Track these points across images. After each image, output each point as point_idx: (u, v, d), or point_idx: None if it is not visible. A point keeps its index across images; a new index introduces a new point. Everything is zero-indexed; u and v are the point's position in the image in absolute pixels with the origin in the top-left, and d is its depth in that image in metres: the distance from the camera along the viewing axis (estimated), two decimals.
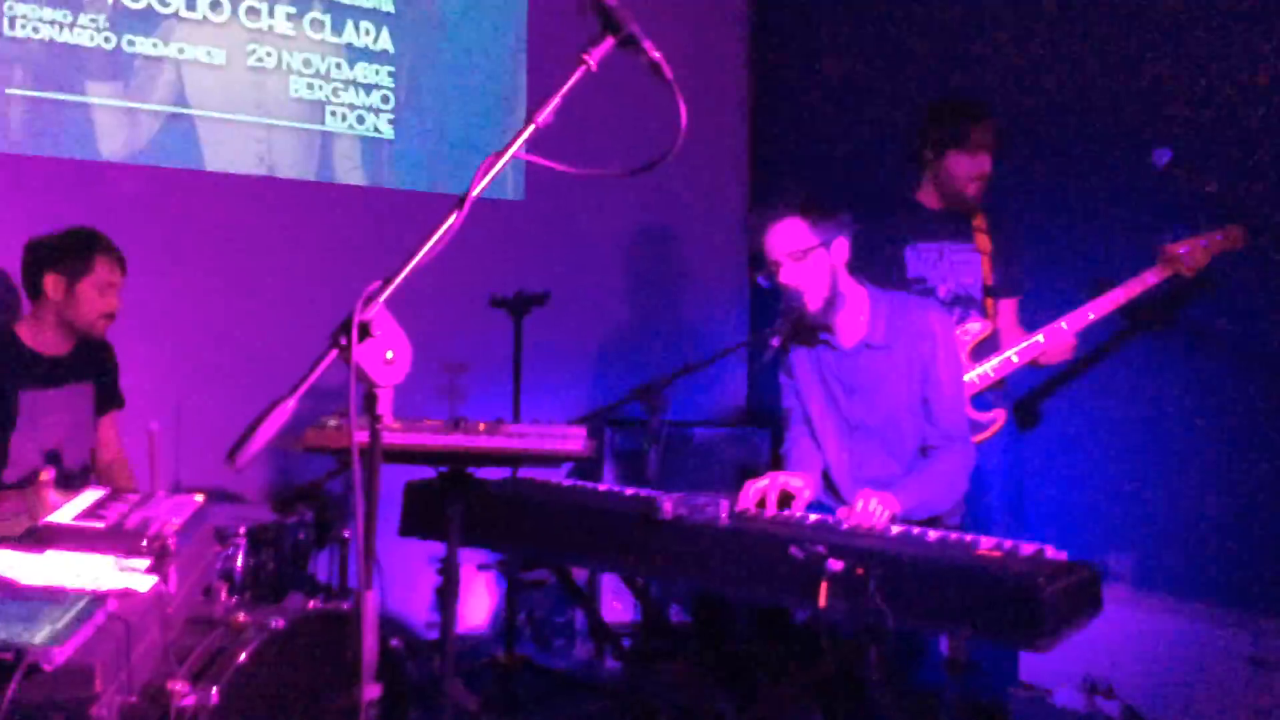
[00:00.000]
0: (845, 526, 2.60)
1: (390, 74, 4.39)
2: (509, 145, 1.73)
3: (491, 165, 1.72)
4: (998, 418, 3.46)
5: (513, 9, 4.72)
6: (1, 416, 3.12)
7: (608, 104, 4.39)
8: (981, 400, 3.46)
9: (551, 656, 4.39)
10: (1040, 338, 3.45)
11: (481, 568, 4.42)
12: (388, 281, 1.63)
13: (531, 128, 1.73)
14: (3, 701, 1.31)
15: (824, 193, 2.97)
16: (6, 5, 3.58)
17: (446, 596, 3.08)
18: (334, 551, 3.73)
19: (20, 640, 1.39)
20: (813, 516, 2.71)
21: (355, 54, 4.31)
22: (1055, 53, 4.26)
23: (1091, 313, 3.45)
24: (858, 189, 4.54)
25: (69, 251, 3.19)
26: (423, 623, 4.43)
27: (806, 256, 2.86)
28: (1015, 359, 3.46)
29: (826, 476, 3.08)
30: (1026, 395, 4.10)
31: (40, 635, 1.41)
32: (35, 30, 3.64)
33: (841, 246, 2.91)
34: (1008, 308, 3.59)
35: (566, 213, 4.83)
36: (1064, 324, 3.45)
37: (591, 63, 1.78)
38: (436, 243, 1.63)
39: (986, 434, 3.43)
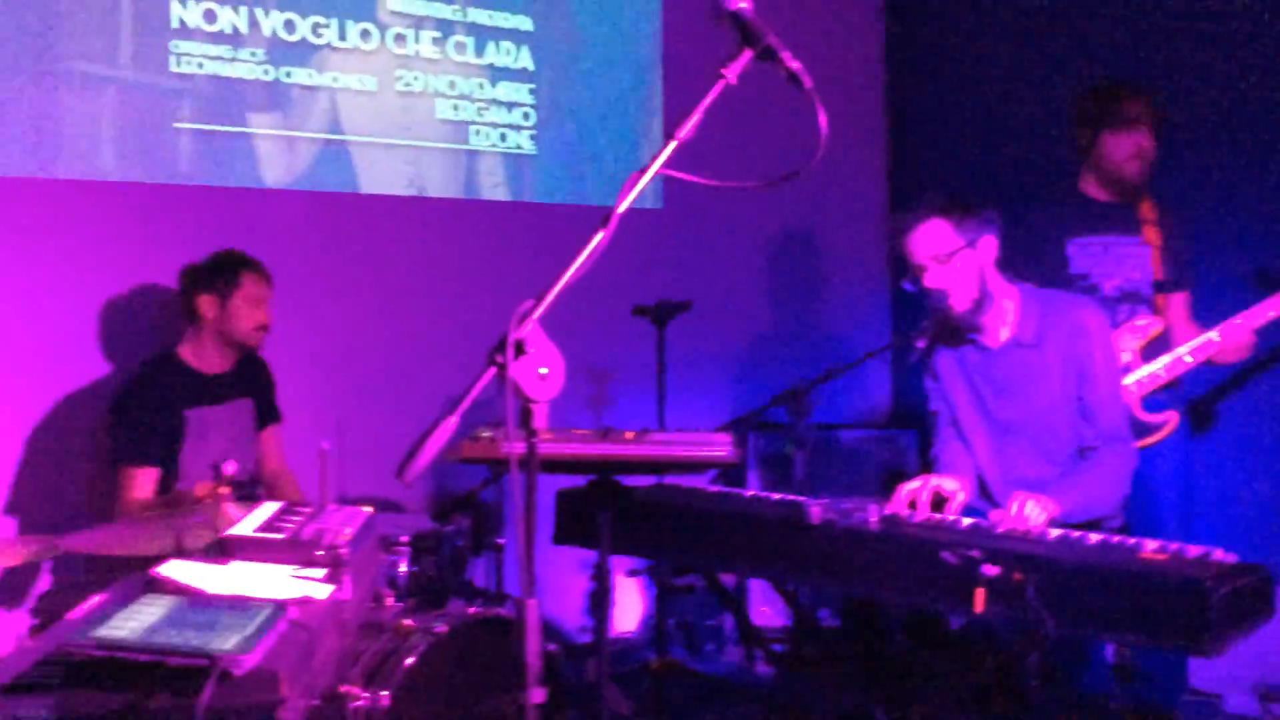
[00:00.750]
0: (1000, 530, 2.55)
1: (531, 91, 4.50)
2: (651, 162, 1.77)
3: (635, 182, 1.76)
4: (1169, 420, 3.32)
5: (648, 22, 4.78)
6: (172, 434, 3.33)
7: (745, 111, 4.40)
8: (1153, 402, 3.32)
9: (702, 661, 4.42)
10: (1215, 335, 3.29)
11: (632, 573, 4.48)
12: (539, 299, 1.68)
13: (673, 144, 1.77)
14: (199, 706, 1.41)
15: (968, 190, 2.92)
16: (172, 43, 3.80)
17: (599, 602, 3.14)
18: (490, 558, 3.84)
19: (211, 648, 1.49)
20: (966, 520, 2.67)
21: (497, 74, 4.43)
22: (1219, 30, 4.07)
23: (1271, 310, 3.27)
24: (1013, 182, 4.44)
25: (217, 272, 3.40)
26: (576, 627, 4.51)
27: (952, 258, 2.82)
28: (1188, 358, 3.31)
29: (979, 479, 3.03)
30: (1201, 396, 3.93)
31: (230, 642, 1.51)
32: (200, 66, 3.85)
33: (989, 245, 2.85)
34: (1179, 303, 3.44)
35: (706, 220, 4.86)
36: (1241, 320, 3.28)
37: (730, 76, 1.80)
38: (585, 260, 1.69)
39: (1158, 437, 3.29)
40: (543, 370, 1.64)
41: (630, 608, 4.62)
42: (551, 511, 3.17)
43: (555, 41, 4.56)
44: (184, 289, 3.44)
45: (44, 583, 3.56)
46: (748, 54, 1.80)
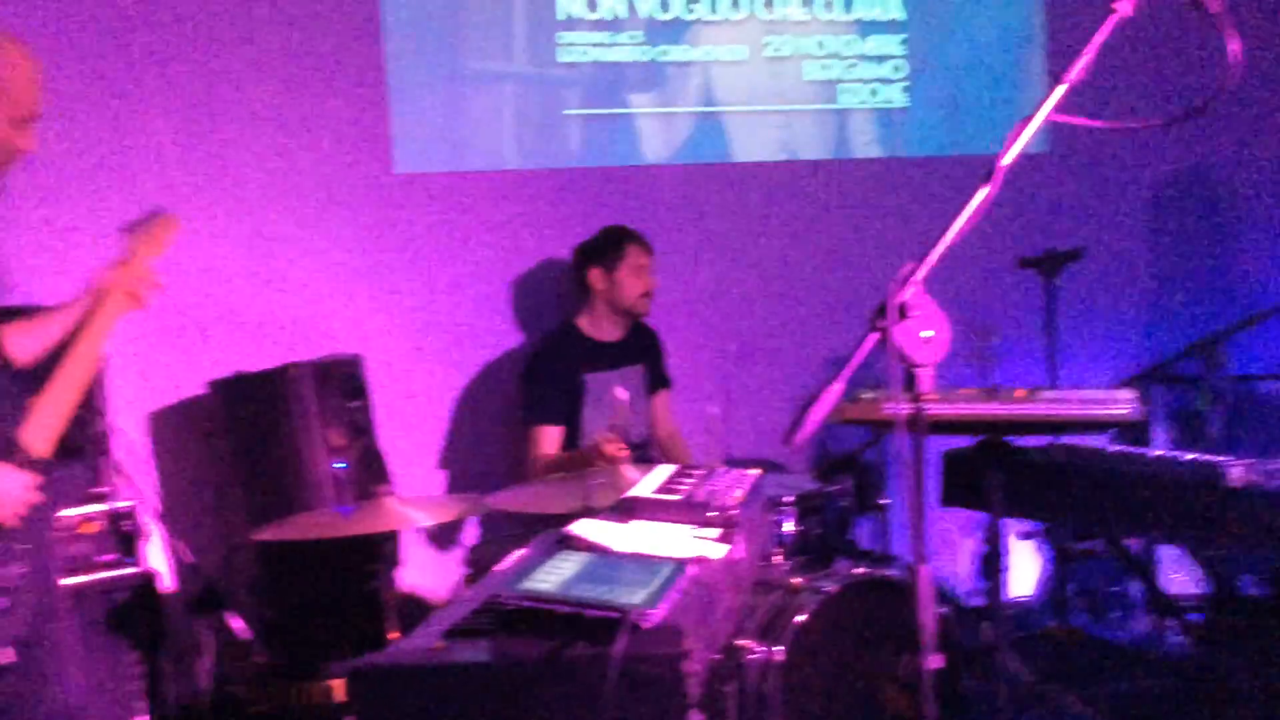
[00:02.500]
0: None
1: (902, 42, 4.39)
2: (1038, 109, 1.68)
3: (1020, 131, 1.68)
4: None
5: None
6: (573, 396, 3.62)
7: (1136, 42, 4.06)
8: None
9: (1108, 629, 4.18)
10: None
11: (1025, 536, 4.31)
12: (920, 260, 1.66)
13: (1063, 88, 1.67)
14: (613, 656, 1.53)
15: None
16: (558, 35, 4.06)
17: (991, 566, 3.06)
18: (874, 518, 3.84)
19: (622, 601, 1.60)
20: None
21: (867, 28, 4.36)
22: None
23: None
24: None
25: (602, 246, 3.69)
26: (966, 590, 4.41)
27: None
28: None
29: None
30: None
31: (638, 597, 1.62)
32: (584, 54, 4.09)
33: None
34: None
35: (1096, 161, 4.54)
36: None
37: (1124, 8, 1.68)
38: (969, 217, 1.64)
39: None
40: (927, 333, 1.62)
41: (1025, 571, 4.44)
42: (938, 472, 3.11)
43: None
44: (576, 266, 3.77)
45: (472, 535, 3.97)
46: None
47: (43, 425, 2.10)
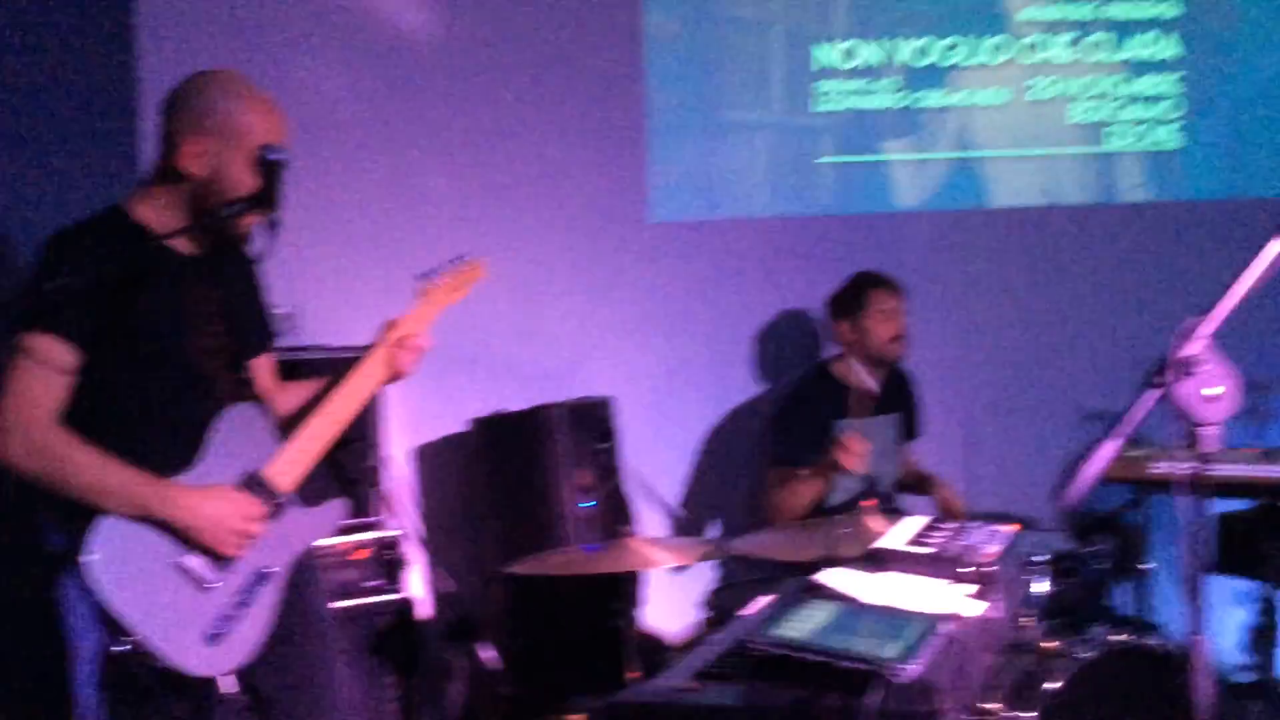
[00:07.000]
0: None
1: (1179, 80, 4.18)
2: None
3: None
4: None
5: None
6: (826, 446, 3.52)
7: None
8: None
9: None
10: None
11: None
12: (1205, 314, 1.57)
13: None
14: (866, 709, 1.51)
15: None
16: (816, 84, 4.08)
17: (1264, 639, 2.84)
18: (1133, 584, 3.62)
19: (875, 654, 1.58)
20: None
21: (1139, 68, 4.18)
22: None
23: None
24: None
25: (846, 297, 3.63)
26: (1232, 665, 4.08)
27: None
28: None
29: None
30: None
31: (892, 651, 1.59)
32: (840, 102, 4.10)
33: None
34: None
35: None
36: None
37: None
38: (1267, 268, 1.55)
39: None
40: (1211, 391, 1.53)
41: None
42: (1213, 537, 2.91)
43: (1208, 23, 4.20)
44: (826, 318, 3.73)
45: (710, 578, 3.99)
46: None
47: (289, 464, 2.10)
